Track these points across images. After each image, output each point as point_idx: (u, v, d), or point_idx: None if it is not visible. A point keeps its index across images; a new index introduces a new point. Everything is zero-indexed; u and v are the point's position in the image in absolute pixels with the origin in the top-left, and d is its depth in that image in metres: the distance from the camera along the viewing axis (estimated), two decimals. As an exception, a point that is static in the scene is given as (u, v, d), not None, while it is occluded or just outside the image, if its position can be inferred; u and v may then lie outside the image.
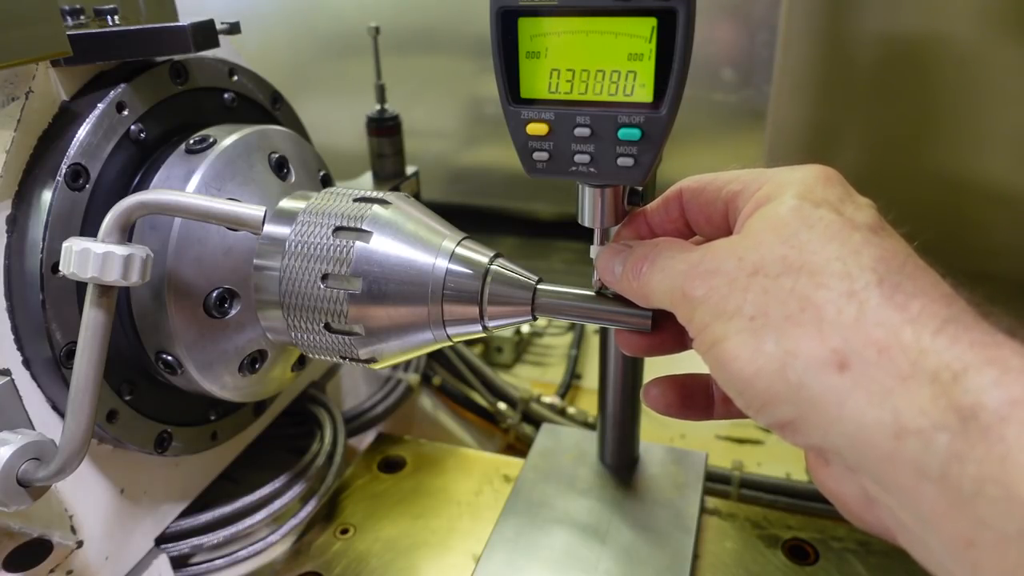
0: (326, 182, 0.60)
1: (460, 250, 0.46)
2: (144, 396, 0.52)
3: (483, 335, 0.47)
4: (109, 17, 0.54)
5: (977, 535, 0.23)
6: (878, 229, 0.31)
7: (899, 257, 0.30)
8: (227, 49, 0.60)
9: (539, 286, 0.44)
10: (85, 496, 0.50)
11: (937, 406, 0.24)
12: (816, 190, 0.32)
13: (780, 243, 0.31)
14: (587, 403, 0.93)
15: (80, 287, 0.46)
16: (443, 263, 0.45)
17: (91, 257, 0.40)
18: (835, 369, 0.27)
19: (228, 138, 0.51)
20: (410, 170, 0.82)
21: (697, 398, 0.41)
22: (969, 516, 0.23)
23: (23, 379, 0.46)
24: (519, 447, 0.87)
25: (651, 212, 0.41)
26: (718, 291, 0.31)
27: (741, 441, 0.88)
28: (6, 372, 0.45)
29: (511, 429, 0.87)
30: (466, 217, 0.61)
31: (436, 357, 0.92)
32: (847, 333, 0.27)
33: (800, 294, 0.29)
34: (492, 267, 0.45)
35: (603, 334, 0.61)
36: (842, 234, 0.30)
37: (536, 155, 0.39)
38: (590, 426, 0.84)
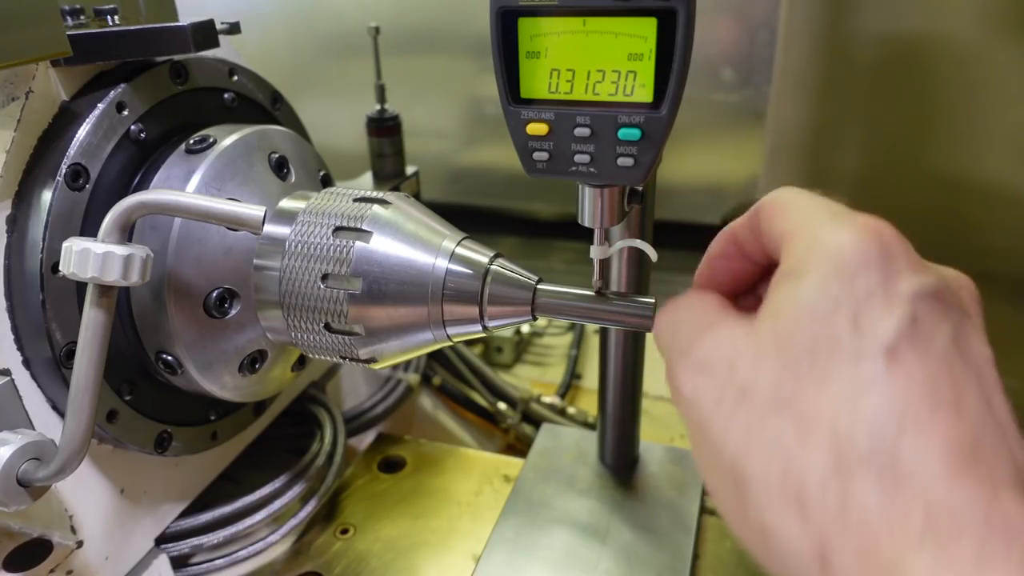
0: (326, 182, 0.60)
1: (460, 250, 0.46)
2: (144, 396, 0.52)
3: (483, 335, 0.47)
4: (109, 17, 0.54)
5: None
6: (923, 344, 0.22)
7: (945, 378, 0.22)
8: (227, 49, 0.60)
9: (539, 286, 0.44)
10: (85, 496, 0.50)
11: None
12: (856, 268, 0.24)
13: (779, 363, 0.24)
14: (587, 403, 0.93)
15: (80, 287, 0.46)
16: (443, 263, 0.45)
17: (91, 257, 0.40)
18: (817, 567, 0.22)
19: (228, 138, 0.51)
20: (410, 170, 0.82)
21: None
22: None
23: (23, 379, 0.46)
24: (519, 447, 0.87)
25: (739, 228, 0.32)
26: (703, 401, 0.27)
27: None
28: (6, 372, 0.45)
29: (511, 429, 0.87)
30: (466, 217, 0.61)
31: (436, 357, 0.92)
32: (829, 526, 0.22)
33: (784, 454, 0.23)
34: (492, 267, 0.45)
35: (603, 334, 0.61)
36: (867, 348, 0.23)
37: (536, 155, 0.39)
38: (590, 426, 0.84)
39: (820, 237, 0.26)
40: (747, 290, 0.34)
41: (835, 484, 0.22)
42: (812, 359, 0.24)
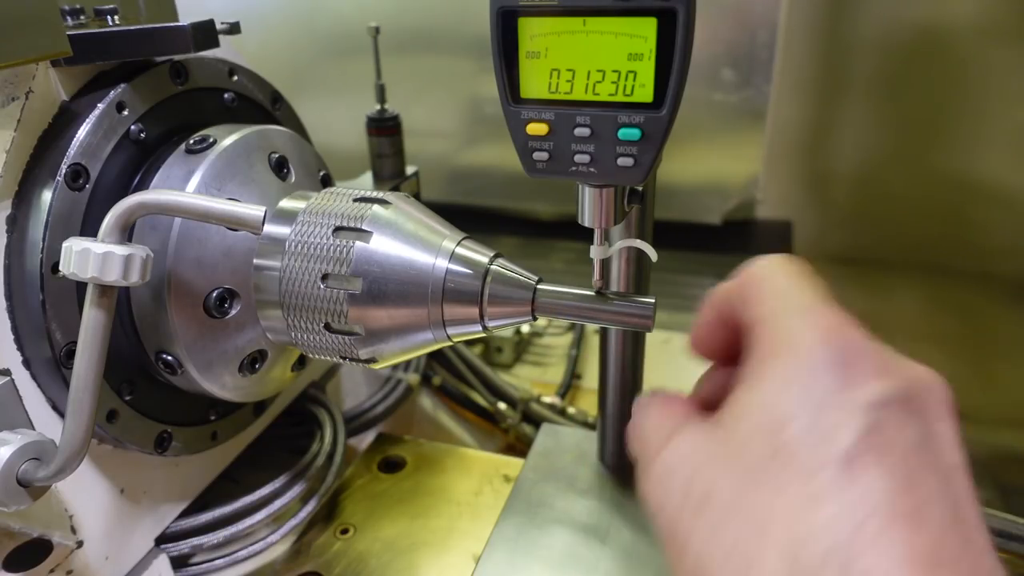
0: (326, 182, 0.60)
1: (460, 250, 0.46)
2: (144, 396, 0.52)
3: (483, 335, 0.47)
4: (109, 17, 0.54)
5: None
6: (884, 452, 0.22)
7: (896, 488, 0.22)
8: (227, 49, 0.60)
9: (539, 286, 0.44)
10: (85, 496, 0.50)
11: None
12: (818, 372, 0.24)
13: (737, 469, 0.24)
14: (587, 403, 0.93)
15: (80, 287, 0.46)
16: (443, 263, 0.45)
17: (91, 257, 0.40)
18: None
19: (228, 138, 0.51)
20: (410, 170, 0.82)
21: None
22: None
23: (23, 379, 0.46)
24: (519, 447, 0.87)
25: (722, 296, 0.32)
26: (666, 508, 0.27)
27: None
28: (6, 372, 0.45)
29: (511, 429, 0.87)
30: (466, 217, 0.61)
31: (436, 357, 0.92)
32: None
33: (743, 559, 0.23)
34: (492, 267, 0.45)
35: (603, 334, 0.61)
36: (814, 464, 0.23)
37: (536, 155, 0.39)
38: (590, 426, 0.84)
39: (785, 336, 0.26)
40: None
41: None
42: (770, 466, 0.23)
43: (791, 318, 0.26)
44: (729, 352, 0.31)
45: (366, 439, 0.80)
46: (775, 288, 0.28)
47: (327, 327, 0.47)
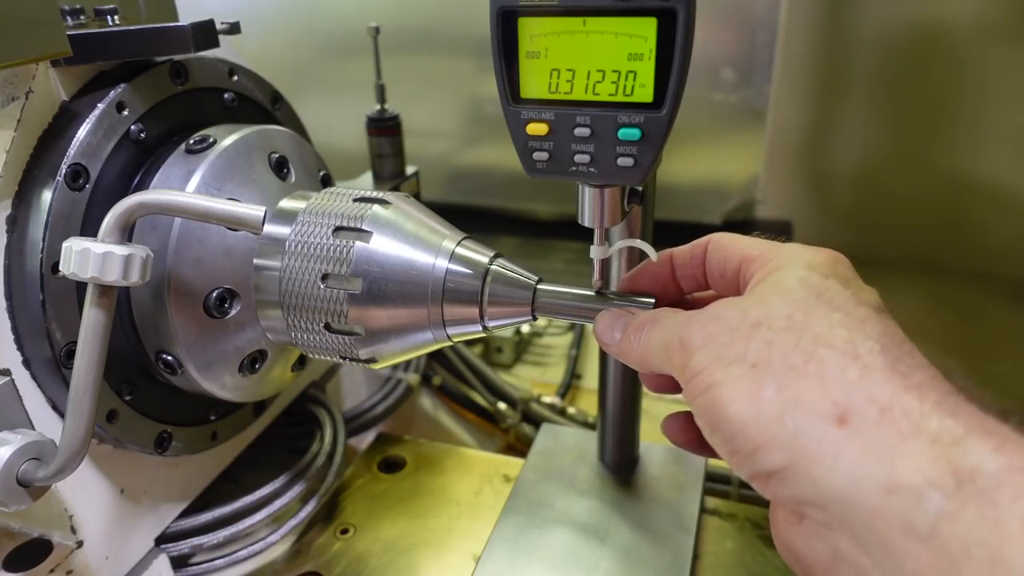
0: (326, 182, 0.60)
1: (460, 250, 0.46)
2: (144, 396, 0.52)
3: (483, 335, 0.47)
4: (109, 17, 0.54)
5: None
6: (880, 310, 0.32)
7: (899, 336, 0.31)
8: (227, 49, 0.60)
9: (539, 286, 0.44)
10: (85, 496, 0.50)
11: (935, 466, 0.25)
12: (825, 266, 0.34)
13: (786, 305, 0.32)
14: (587, 403, 0.93)
15: (80, 287, 0.46)
16: (443, 263, 0.45)
17: (91, 257, 0.40)
18: (835, 422, 0.27)
19: (228, 138, 0.51)
20: (410, 170, 0.82)
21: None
22: None
23: (23, 379, 0.46)
24: (519, 447, 0.87)
25: (678, 253, 0.41)
26: (718, 338, 0.32)
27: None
28: (6, 372, 0.45)
29: (511, 429, 0.87)
30: (466, 217, 0.61)
31: (436, 357, 0.92)
32: (850, 390, 0.28)
33: (804, 349, 0.29)
34: (492, 267, 0.45)
35: (603, 334, 0.61)
36: (847, 306, 0.31)
37: (536, 155, 0.39)
38: (590, 426, 0.84)
39: (797, 251, 0.35)
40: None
41: (854, 367, 0.28)
42: (816, 302, 0.31)
43: (783, 246, 0.36)
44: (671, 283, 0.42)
45: (366, 439, 0.80)
46: (748, 240, 0.38)
47: (327, 327, 0.47)
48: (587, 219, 0.42)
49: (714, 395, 0.30)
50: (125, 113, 0.49)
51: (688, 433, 0.40)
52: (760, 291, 0.34)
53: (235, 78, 0.59)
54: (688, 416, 0.41)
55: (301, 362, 0.60)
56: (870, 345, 0.29)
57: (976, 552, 0.23)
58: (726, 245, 0.39)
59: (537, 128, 0.38)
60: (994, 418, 0.27)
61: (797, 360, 0.29)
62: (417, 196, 0.77)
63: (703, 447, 0.40)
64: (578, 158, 0.38)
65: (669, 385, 0.40)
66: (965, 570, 0.23)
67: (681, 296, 0.43)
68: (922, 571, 0.24)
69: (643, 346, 0.37)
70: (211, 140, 0.51)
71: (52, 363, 0.46)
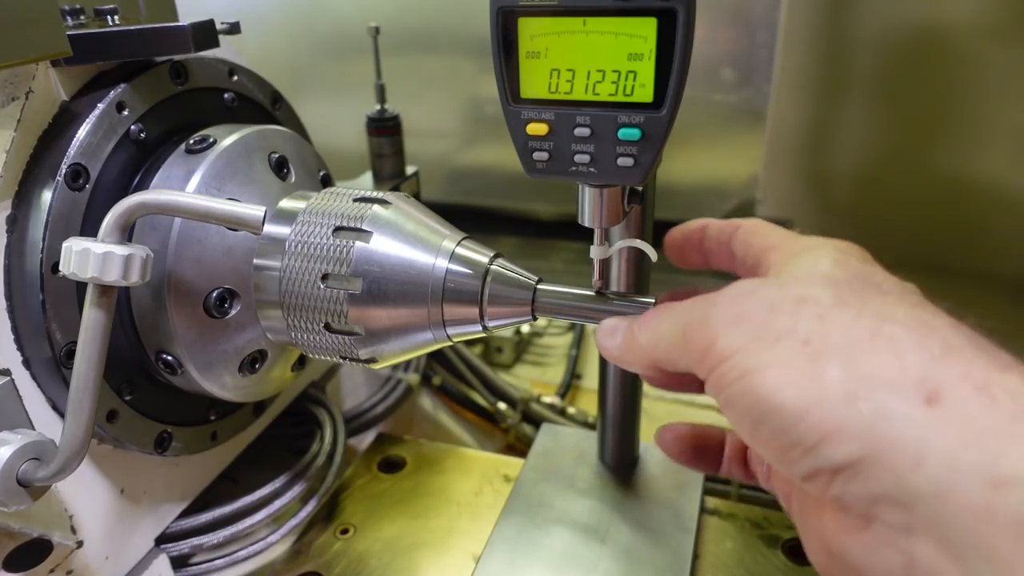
0: (326, 182, 0.60)
1: (460, 250, 0.46)
2: (144, 396, 0.52)
3: (483, 335, 0.47)
4: (109, 17, 0.54)
5: None
6: (925, 299, 0.29)
7: (960, 324, 0.27)
8: (227, 49, 0.60)
9: (539, 286, 0.44)
10: (85, 496, 0.50)
11: None
12: (859, 253, 0.32)
13: (830, 284, 0.28)
14: (587, 403, 0.93)
15: (80, 287, 0.46)
16: (443, 263, 0.45)
17: (91, 257, 0.40)
18: (922, 402, 0.23)
19: (228, 138, 0.51)
20: (410, 170, 0.82)
21: (710, 451, 0.40)
22: None
23: (23, 379, 0.46)
24: (519, 447, 0.87)
25: (714, 225, 0.41)
26: (753, 315, 0.27)
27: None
28: (6, 372, 0.45)
29: (511, 429, 0.87)
30: (466, 217, 0.61)
31: (436, 357, 0.92)
32: (935, 365, 0.23)
33: (867, 325, 0.25)
34: (492, 267, 0.45)
35: (603, 334, 0.61)
36: (896, 290, 0.28)
37: (536, 155, 0.39)
38: (590, 426, 0.84)
39: (822, 240, 0.34)
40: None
41: (934, 341, 0.25)
42: (863, 285, 0.29)
43: (801, 239, 0.35)
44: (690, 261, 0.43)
45: (366, 439, 0.80)
46: (775, 230, 0.37)
47: (327, 327, 0.47)
48: (587, 219, 0.42)
49: (756, 381, 0.26)
50: (125, 113, 0.49)
51: (684, 444, 0.38)
52: (793, 270, 0.31)
53: (235, 78, 0.59)
54: (683, 429, 0.39)
55: (301, 362, 0.60)
56: (942, 322, 0.25)
57: None
58: (754, 231, 0.37)
59: (537, 128, 0.38)
60: None
61: (862, 334, 0.25)
62: (417, 196, 0.77)
63: (701, 461, 0.39)
64: (578, 158, 0.38)
65: (680, 380, 0.36)
66: None
67: (702, 265, 0.42)
68: None
69: (650, 335, 0.33)
70: (211, 140, 0.51)
71: (52, 363, 0.46)
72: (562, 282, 0.44)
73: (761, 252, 0.35)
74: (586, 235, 0.43)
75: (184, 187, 0.49)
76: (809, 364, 0.25)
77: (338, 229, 0.47)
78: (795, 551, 0.61)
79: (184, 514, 0.60)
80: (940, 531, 0.22)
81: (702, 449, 0.40)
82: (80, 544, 0.50)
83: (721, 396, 0.28)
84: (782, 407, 0.25)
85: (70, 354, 0.46)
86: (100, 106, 0.48)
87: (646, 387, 0.65)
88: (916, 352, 0.24)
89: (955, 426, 0.22)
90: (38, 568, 0.49)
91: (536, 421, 0.85)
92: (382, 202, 0.48)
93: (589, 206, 0.41)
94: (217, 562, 0.60)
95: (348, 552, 0.63)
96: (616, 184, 0.40)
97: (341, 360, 0.50)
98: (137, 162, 0.51)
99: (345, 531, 0.65)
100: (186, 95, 0.55)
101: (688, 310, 0.31)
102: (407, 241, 0.46)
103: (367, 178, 0.80)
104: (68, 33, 0.45)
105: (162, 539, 0.58)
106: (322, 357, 0.51)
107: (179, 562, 0.59)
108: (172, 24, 0.48)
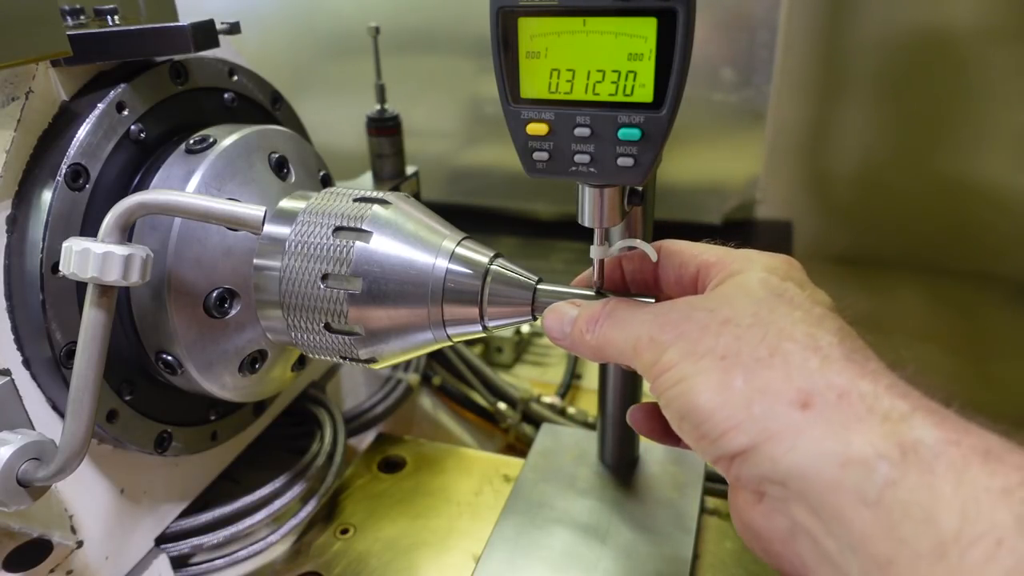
0: (326, 182, 0.60)
1: (460, 250, 0.46)
2: (144, 396, 0.52)
3: (483, 335, 0.47)
4: (109, 17, 0.54)
5: (896, 553, 0.26)
6: (834, 309, 0.35)
7: (853, 332, 0.34)
8: (227, 49, 0.60)
9: (539, 286, 0.44)
10: (85, 496, 0.50)
11: (885, 440, 0.28)
12: (781, 270, 0.37)
13: (751, 303, 0.35)
14: (587, 403, 0.93)
15: (80, 287, 0.46)
16: (443, 263, 0.45)
17: (91, 257, 0.40)
18: (798, 407, 0.30)
19: (228, 138, 0.51)
20: (410, 170, 0.82)
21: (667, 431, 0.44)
22: (893, 536, 0.26)
23: (23, 379, 0.46)
24: (519, 447, 0.87)
25: (627, 258, 0.44)
26: (688, 335, 0.34)
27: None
28: (6, 372, 0.45)
29: (511, 429, 0.87)
30: (466, 217, 0.61)
31: (436, 357, 0.92)
32: (812, 377, 0.30)
33: (769, 343, 0.32)
34: (492, 267, 0.45)
35: (603, 334, 0.61)
36: (805, 304, 0.35)
37: (536, 155, 0.39)
38: (590, 426, 0.84)
39: (754, 256, 0.38)
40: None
41: (815, 357, 0.31)
42: (777, 302, 0.34)
43: (738, 253, 0.39)
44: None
45: (366, 439, 0.80)
46: (701, 246, 0.41)
47: (327, 327, 0.47)
48: (587, 219, 0.42)
49: (685, 388, 0.33)
50: (125, 113, 0.49)
51: (653, 422, 0.43)
52: (724, 292, 0.36)
53: (235, 78, 0.59)
54: (651, 407, 0.43)
55: (301, 362, 0.60)
56: (829, 339, 0.32)
57: (914, 512, 0.26)
58: (679, 251, 0.41)
59: (537, 128, 0.38)
60: (937, 401, 0.30)
61: (763, 353, 0.32)
62: (417, 196, 0.77)
63: (667, 436, 0.42)
64: (578, 158, 0.38)
65: (658, 430, 0.43)
66: (904, 529, 0.26)
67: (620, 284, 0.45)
68: (867, 533, 0.27)
69: (601, 339, 0.39)
70: (211, 140, 0.51)
71: (52, 363, 0.46)
72: (562, 282, 0.44)
73: (699, 269, 0.40)
74: (586, 235, 0.42)
75: (184, 187, 0.49)
76: (723, 375, 0.32)
77: (338, 229, 0.47)
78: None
79: (184, 514, 0.60)
80: (807, 501, 0.29)
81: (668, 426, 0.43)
82: (80, 544, 0.50)
83: (661, 397, 0.35)
84: (700, 407, 0.32)
85: (70, 354, 0.46)
86: (100, 106, 0.48)
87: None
88: (800, 367, 0.31)
89: (819, 423, 0.29)
90: (38, 568, 0.49)
91: (536, 421, 0.85)
92: (382, 202, 0.48)
93: (589, 206, 0.41)
94: (217, 562, 0.60)
95: (348, 552, 0.63)
96: (616, 184, 0.40)
97: (341, 360, 0.50)
98: (137, 162, 0.51)
99: (345, 531, 0.65)
100: (186, 95, 0.54)
101: (639, 326, 0.37)
102: (407, 241, 0.46)
103: (367, 178, 0.80)
104: (68, 33, 0.45)
105: (162, 539, 0.58)
106: (322, 357, 0.51)
107: (179, 562, 0.59)
108: (172, 24, 0.48)
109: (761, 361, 0.32)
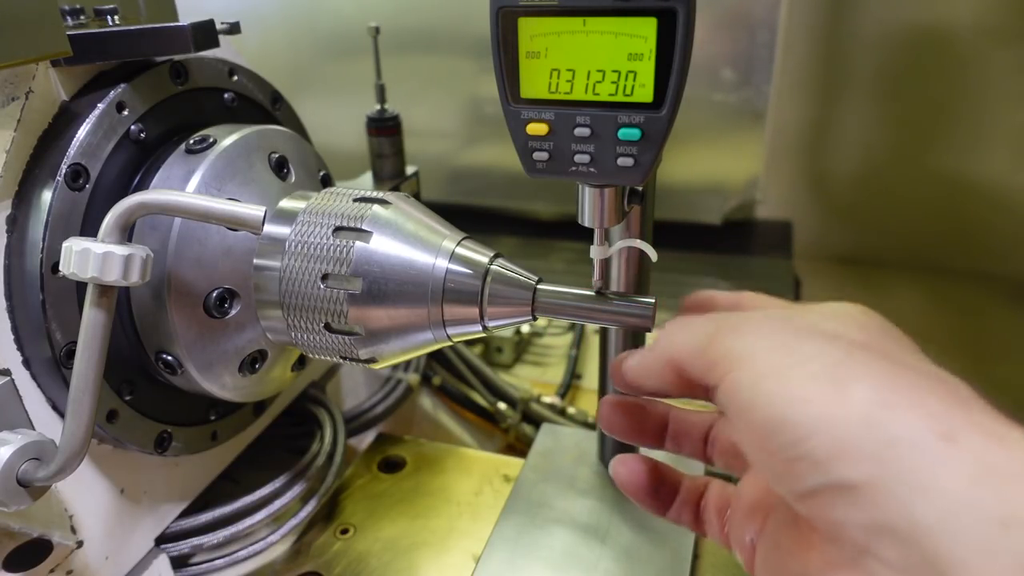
0: (326, 182, 0.60)
1: (460, 250, 0.46)
2: (144, 396, 0.52)
3: (483, 335, 0.47)
4: (109, 17, 0.54)
5: None
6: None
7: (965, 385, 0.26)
8: (227, 49, 0.60)
9: (539, 286, 0.44)
10: (85, 496, 0.50)
11: None
12: (876, 315, 0.31)
13: (860, 329, 0.28)
14: (587, 403, 0.93)
15: (80, 287, 0.46)
16: (443, 263, 0.45)
17: (91, 257, 0.40)
18: (938, 436, 0.23)
19: (228, 138, 0.51)
20: (410, 170, 0.82)
21: (664, 492, 0.40)
22: None
23: (23, 379, 0.46)
24: (519, 447, 0.87)
25: (718, 299, 0.39)
26: (780, 332, 0.27)
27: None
28: (6, 372, 0.45)
29: (511, 429, 0.87)
30: (466, 217, 0.61)
31: (436, 357, 0.92)
32: (953, 411, 0.23)
33: (890, 368, 0.25)
34: (492, 267, 0.45)
35: (603, 334, 0.61)
36: (913, 345, 0.29)
37: (536, 155, 0.39)
38: (590, 426, 0.84)
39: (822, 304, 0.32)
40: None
41: (947, 391, 0.25)
42: (881, 333, 0.29)
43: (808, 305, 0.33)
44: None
45: (366, 439, 0.80)
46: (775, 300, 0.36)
47: (327, 327, 0.47)
48: (587, 219, 0.42)
49: (774, 388, 0.25)
50: (125, 113, 0.49)
51: (640, 482, 0.38)
52: (822, 309, 0.30)
53: (235, 78, 0.59)
54: (644, 465, 0.39)
55: (301, 362, 0.60)
56: (955, 379, 0.26)
57: None
58: (711, 300, 0.37)
59: (537, 128, 0.38)
60: None
61: (885, 373, 0.25)
62: (417, 196, 0.77)
63: (653, 500, 0.38)
64: (578, 158, 0.38)
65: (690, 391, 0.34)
66: None
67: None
68: None
69: (669, 342, 0.32)
70: (211, 140, 0.51)
71: (52, 363, 0.46)
72: (562, 282, 0.44)
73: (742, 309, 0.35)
74: (586, 235, 0.43)
75: (184, 187, 0.49)
76: (833, 384, 0.25)
77: (338, 229, 0.47)
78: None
79: (184, 514, 0.60)
80: (938, 570, 0.21)
81: (656, 489, 0.40)
82: (80, 544, 0.50)
83: (733, 401, 0.27)
84: (797, 420, 0.24)
85: (70, 354, 0.46)
86: (100, 106, 0.48)
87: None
88: (934, 396, 0.24)
89: (968, 463, 0.22)
90: (38, 568, 0.49)
91: (536, 421, 0.85)
92: (382, 202, 0.48)
93: (589, 206, 0.41)
94: (217, 562, 0.60)
95: (348, 552, 0.63)
96: (616, 184, 0.40)
97: (341, 360, 0.50)
98: (137, 162, 0.51)
99: (345, 531, 0.65)
100: (186, 95, 0.55)
101: (712, 319, 0.30)
102: (407, 241, 0.46)
103: (367, 178, 0.80)
104: (68, 33, 0.45)
105: (162, 539, 0.58)
106: (322, 357, 0.51)
107: (179, 562, 0.59)
108: (172, 24, 0.48)
109: (883, 379, 0.24)
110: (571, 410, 0.88)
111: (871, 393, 0.24)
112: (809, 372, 0.25)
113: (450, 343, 0.47)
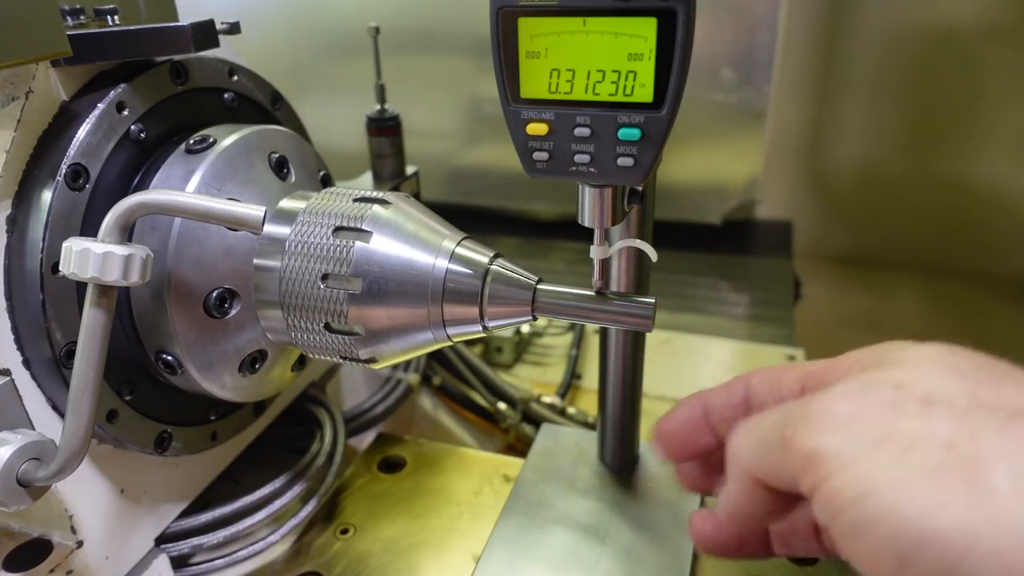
0: (326, 182, 0.60)
1: (460, 250, 0.46)
2: (144, 396, 0.52)
3: (483, 335, 0.47)
4: (109, 17, 0.54)
5: None
6: None
7: None
8: (227, 49, 0.60)
9: (539, 286, 0.44)
10: (85, 496, 0.50)
11: None
12: (958, 351, 0.25)
13: (955, 377, 0.23)
14: (587, 403, 0.93)
15: (80, 287, 0.46)
16: (443, 263, 0.45)
17: (91, 257, 0.40)
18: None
19: (228, 138, 0.51)
20: (410, 170, 0.82)
21: (755, 534, 0.35)
22: None
23: (23, 379, 0.46)
24: (519, 447, 0.87)
25: (712, 394, 0.35)
26: (873, 413, 0.22)
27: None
28: (6, 372, 0.45)
29: (511, 429, 0.87)
30: (466, 217, 0.61)
31: (436, 357, 0.92)
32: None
33: (1014, 423, 0.21)
34: (492, 267, 0.45)
35: (603, 334, 0.61)
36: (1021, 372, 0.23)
37: (536, 155, 0.39)
38: (590, 426, 0.84)
39: (890, 344, 0.27)
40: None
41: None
42: (988, 375, 0.24)
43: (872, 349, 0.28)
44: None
45: (366, 439, 0.80)
46: (805, 363, 0.32)
47: (327, 327, 0.47)
48: (587, 219, 0.42)
49: (892, 500, 0.20)
50: (125, 113, 0.49)
51: (727, 535, 0.33)
52: (894, 360, 0.25)
53: (235, 78, 0.59)
54: (715, 519, 0.33)
55: (301, 362, 0.60)
56: None
57: None
58: (775, 375, 0.32)
59: (537, 128, 0.38)
60: None
61: (1012, 441, 0.20)
62: (417, 196, 0.77)
63: (748, 547, 0.34)
64: (578, 158, 0.38)
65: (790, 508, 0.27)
66: None
67: (714, 448, 0.35)
68: None
69: (748, 436, 0.27)
70: (211, 140, 0.51)
71: (52, 363, 0.46)
72: (562, 282, 0.44)
73: (810, 375, 0.29)
74: (586, 235, 0.43)
75: (184, 187, 0.49)
76: (963, 474, 0.20)
77: (338, 229, 0.47)
78: (795, 551, 0.61)
79: (184, 514, 0.60)
80: None
81: (747, 536, 0.34)
82: (80, 544, 0.50)
83: (839, 521, 0.21)
84: (941, 534, 0.19)
85: (70, 354, 0.46)
86: (100, 106, 0.48)
87: (646, 387, 0.65)
88: None
89: None
90: (38, 568, 0.49)
91: (536, 421, 0.85)
92: (382, 202, 0.48)
93: (589, 206, 0.41)
94: (217, 562, 0.60)
95: (348, 552, 0.63)
96: (616, 184, 0.40)
97: (341, 360, 0.50)
98: (137, 162, 0.51)
99: (345, 531, 0.65)
100: (186, 95, 0.55)
101: (790, 406, 0.25)
102: (407, 241, 0.46)
103: (367, 178, 0.80)
104: (68, 33, 0.45)
105: (162, 539, 0.58)
106: (322, 357, 0.51)
107: (179, 562, 0.59)
108: (172, 24, 0.48)
109: (1016, 440, 0.20)
110: (571, 410, 0.88)
111: (1015, 475, 0.19)
112: (923, 464, 0.20)
113: (450, 343, 0.47)
